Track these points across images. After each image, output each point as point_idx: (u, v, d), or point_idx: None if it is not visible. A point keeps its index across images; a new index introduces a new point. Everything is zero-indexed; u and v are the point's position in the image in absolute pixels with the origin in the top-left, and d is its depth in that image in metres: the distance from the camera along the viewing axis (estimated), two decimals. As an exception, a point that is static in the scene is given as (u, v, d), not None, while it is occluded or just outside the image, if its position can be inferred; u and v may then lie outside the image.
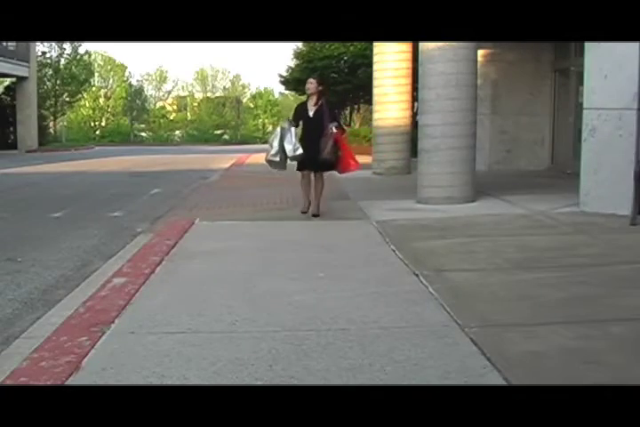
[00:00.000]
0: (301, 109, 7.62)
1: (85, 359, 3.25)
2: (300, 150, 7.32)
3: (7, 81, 33.09)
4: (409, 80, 13.16)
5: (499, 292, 4.37)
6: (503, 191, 9.45)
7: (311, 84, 7.54)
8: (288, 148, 7.32)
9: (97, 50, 52.06)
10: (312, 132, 7.44)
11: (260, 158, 21.45)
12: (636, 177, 6.91)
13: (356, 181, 10.96)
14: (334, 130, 7.32)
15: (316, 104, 7.49)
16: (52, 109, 38.16)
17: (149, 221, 8.12)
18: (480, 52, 10.05)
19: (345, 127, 8.53)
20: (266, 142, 8.01)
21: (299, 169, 7.69)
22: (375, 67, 13.49)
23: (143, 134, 55.36)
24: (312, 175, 7.68)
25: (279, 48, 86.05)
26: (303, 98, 10.85)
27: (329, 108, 7.60)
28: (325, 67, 22.84)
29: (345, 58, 23.42)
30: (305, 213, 7.63)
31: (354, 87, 22.39)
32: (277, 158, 7.42)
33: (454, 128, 8.41)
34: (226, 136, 54.35)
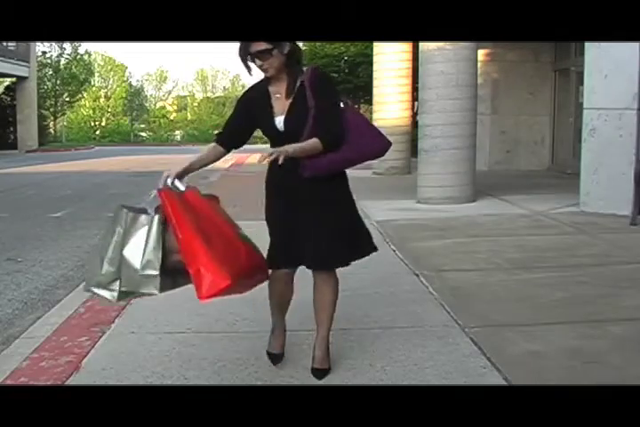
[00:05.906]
0: (257, 109, 3.05)
1: (85, 359, 3.25)
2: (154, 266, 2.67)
3: (7, 81, 33.14)
4: (409, 80, 13.16)
5: (499, 292, 4.37)
6: (503, 191, 9.44)
7: (269, 59, 2.83)
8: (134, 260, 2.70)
9: (97, 50, 52.30)
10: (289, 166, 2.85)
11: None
12: (636, 177, 6.91)
13: (355, 181, 10.90)
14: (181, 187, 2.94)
15: (288, 94, 2.92)
16: (52, 109, 38.21)
17: (149, 221, 8.11)
18: (480, 52, 10.05)
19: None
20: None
21: (272, 266, 2.99)
22: (375, 67, 13.49)
23: (143, 134, 55.34)
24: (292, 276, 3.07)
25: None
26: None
27: (325, 91, 2.90)
28: (326, 66, 22.79)
29: (345, 57, 23.41)
30: (276, 356, 3.15)
31: (354, 87, 22.38)
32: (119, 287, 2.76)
33: (454, 128, 8.41)
34: (226, 136, 54.25)
